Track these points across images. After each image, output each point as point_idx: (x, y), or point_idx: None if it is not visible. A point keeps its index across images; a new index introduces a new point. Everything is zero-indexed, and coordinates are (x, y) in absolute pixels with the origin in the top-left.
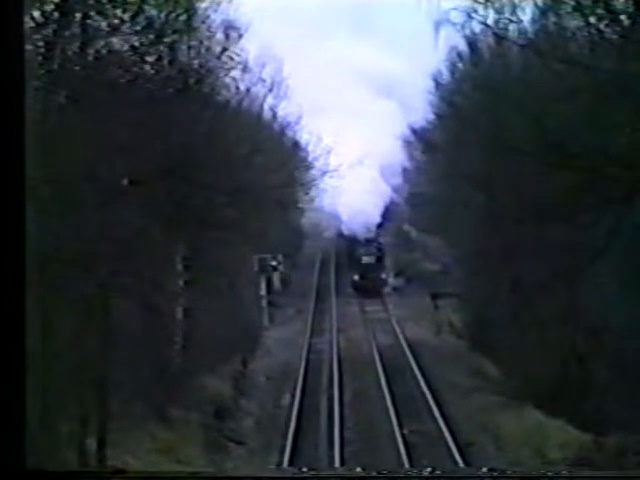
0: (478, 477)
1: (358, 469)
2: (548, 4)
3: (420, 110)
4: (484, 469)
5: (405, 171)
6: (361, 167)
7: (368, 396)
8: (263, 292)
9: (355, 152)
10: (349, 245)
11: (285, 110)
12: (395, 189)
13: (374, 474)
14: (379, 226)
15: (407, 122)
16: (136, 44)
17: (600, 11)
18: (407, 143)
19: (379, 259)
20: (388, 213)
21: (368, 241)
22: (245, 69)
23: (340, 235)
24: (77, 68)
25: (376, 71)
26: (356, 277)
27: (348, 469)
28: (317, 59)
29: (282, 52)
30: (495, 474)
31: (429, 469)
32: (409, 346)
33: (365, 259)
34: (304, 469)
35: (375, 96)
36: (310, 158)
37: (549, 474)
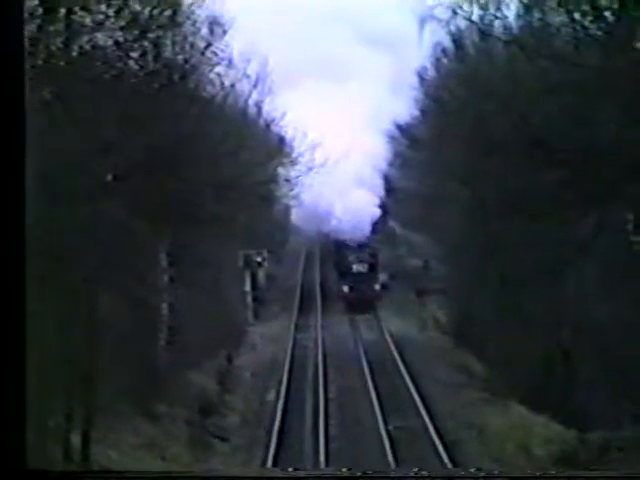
0: (465, 477)
1: (344, 469)
2: (533, 0)
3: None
4: (472, 469)
5: (390, 166)
6: (346, 163)
7: (353, 392)
8: (248, 288)
9: (340, 146)
10: (337, 249)
11: (270, 105)
12: (380, 185)
13: (359, 474)
14: (373, 230)
15: (400, 76)
16: (120, 40)
17: (585, 7)
18: (392, 138)
19: (372, 267)
20: (374, 210)
21: (360, 246)
22: (230, 65)
23: (327, 236)
24: (61, 64)
25: (369, 24)
26: (345, 288)
27: (333, 469)
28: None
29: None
30: (482, 474)
31: (415, 469)
32: (394, 342)
33: (356, 267)
34: (289, 469)
35: (369, 51)
36: (295, 154)
37: (536, 474)
